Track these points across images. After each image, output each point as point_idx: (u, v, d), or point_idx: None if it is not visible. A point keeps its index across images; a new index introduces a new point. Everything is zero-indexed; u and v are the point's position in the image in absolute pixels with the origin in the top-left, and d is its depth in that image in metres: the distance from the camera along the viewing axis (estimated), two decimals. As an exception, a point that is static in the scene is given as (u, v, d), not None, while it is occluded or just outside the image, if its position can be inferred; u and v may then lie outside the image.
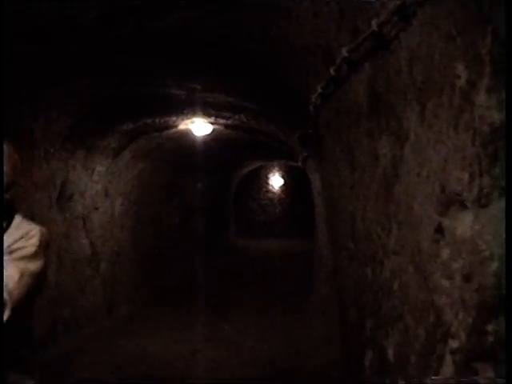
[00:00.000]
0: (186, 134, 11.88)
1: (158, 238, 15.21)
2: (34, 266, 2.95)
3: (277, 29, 4.43)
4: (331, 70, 3.79)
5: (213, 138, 12.40)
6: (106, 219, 11.55)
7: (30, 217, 7.78)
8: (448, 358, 2.22)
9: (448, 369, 2.22)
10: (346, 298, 5.05)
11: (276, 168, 28.30)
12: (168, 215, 16.39)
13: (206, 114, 9.95)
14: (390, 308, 3.22)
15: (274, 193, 28.56)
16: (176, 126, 11.03)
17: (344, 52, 3.34)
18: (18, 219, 3.03)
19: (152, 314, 11.98)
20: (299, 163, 11.29)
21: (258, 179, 28.53)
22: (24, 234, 2.95)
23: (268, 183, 28.68)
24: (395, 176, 3.02)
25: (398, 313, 2.98)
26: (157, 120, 10.26)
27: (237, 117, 9.93)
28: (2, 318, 2.63)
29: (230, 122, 10.58)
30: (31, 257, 2.94)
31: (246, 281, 16.20)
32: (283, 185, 28.46)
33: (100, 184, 11.05)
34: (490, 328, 1.94)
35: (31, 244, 2.96)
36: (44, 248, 3.04)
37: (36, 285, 2.98)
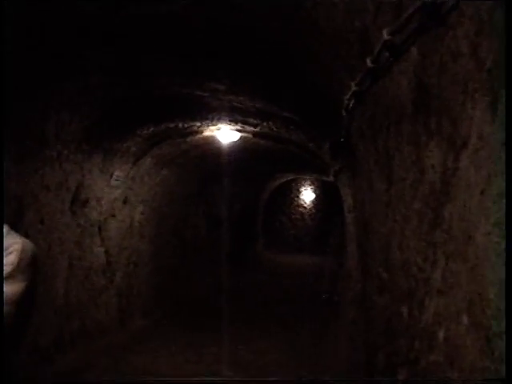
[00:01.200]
0: (212, 142, 11.28)
1: (181, 250, 14.62)
2: (10, 288, 2.46)
3: (303, 12, 3.74)
4: (368, 61, 3.10)
5: (240, 146, 11.80)
6: (124, 227, 10.97)
7: (40, 221, 7.38)
8: None
9: None
10: (374, 335, 4.32)
11: (308, 182, 27.76)
12: (193, 226, 15.81)
13: (233, 120, 9.32)
14: (432, 364, 2.50)
15: (305, 207, 27.98)
16: (201, 132, 10.42)
17: (385, 34, 2.64)
18: (5, 230, 2.59)
19: (168, 329, 11.39)
20: (331, 177, 10.60)
21: (289, 193, 27.97)
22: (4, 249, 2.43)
23: (299, 197, 28.09)
24: (446, 194, 2.32)
25: (443, 373, 2.27)
26: (180, 125, 9.65)
27: (265, 124, 9.26)
28: (2, 317, 2.37)
29: (258, 129, 9.92)
30: (6, 278, 2.46)
31: (272, 298, 15.59)
32: (315, 199, 27.82)
33: (119, 190, 10.48)
34: None
35: (8, 262, 2.49)
36: (26, 266, 2.57)
37: (15, 312, 2.50)
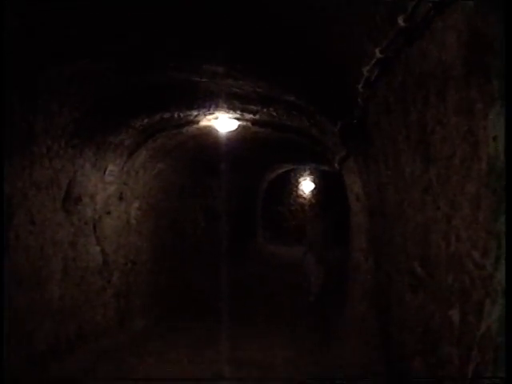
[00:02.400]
0: (209, 132, 10.80)
1: (180, 245, 14.16)
2: None
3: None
4: (400, 20, 2.61)
5: (238, 136, 11.32)
6: (120, 224, 10.50)
7: (31, 222, 6.91)
8: None
9: None
10: (406, 338, 3.83)
11: (307, 172, 27.33)
12: (191, 220, 15.35)
13: (231, 107, 8.83)
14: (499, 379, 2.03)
15: (304, 198, 27.56)
16: (198, 122, 9.93)
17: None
18: None
19: (169, 328, 10.92)
20: (335, 165, 10.13)
21: (288, 183, 27.58)
22: None
23: (298, 188, 27.65)
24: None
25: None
26: (175, 114, 9.15)
27: (265, 110, 8.76)
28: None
29: (257, 116, 9.43)
30: None
31: (274, 293, 15.13)
32: (314, 189, 27.39)
33: (113, 185, 10.01)
34: None
35: None
36: None
37: None
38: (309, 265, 14.25)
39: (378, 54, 3.23)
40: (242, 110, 9.02)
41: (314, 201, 27.33)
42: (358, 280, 8.87)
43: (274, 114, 8.86)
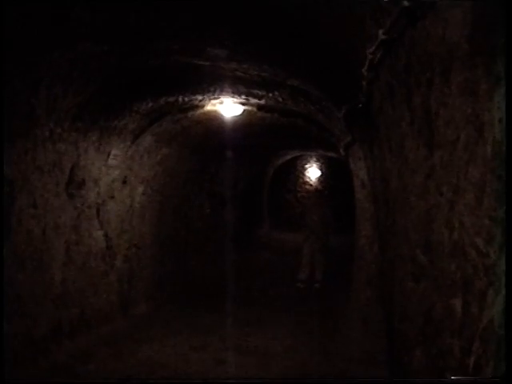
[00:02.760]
0: (214, 117, 10.69)
1: (185, 231, 14.09)
2: None
3: None
4: (405, 1, 2.51)
5: (244, 121, 11.21)
6: (124, 209, 10.45)
7: (33, 205, 6.85)
8: None
9: None
10: (407, 327, 3.75)
11: (313, 159, 27.24)
12: (197, 206, 15.25)
13: (236, 92, 8.72)
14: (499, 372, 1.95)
15: (311, 185, 27.45)
16: (202, 107, 9.82)
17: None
18: None
19: (173, 314, 10.93)
20: (341, 151, 10.02)
21: (294, 170, 27.48)
22: None
23: (305, 175, 27.54)
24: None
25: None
26: (180, 99, 9.05)
27: (270, 95, 8.65)
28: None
29: (263, 101, 9.31)
30: None
31: (279, 279, 15.07)
32: (321, 176, 27.30)
33: (117, 170, 9.95)
34: None
35: None
36: None
37: None
38: (307, 254, 14.29)
39: (382, 36, 3.12)
40: (247, 95, 8.91)
41: (320, 188, 27.24)
42: (362, 268, 8.78)
43: (280, 99, 8.75)
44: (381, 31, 3.10)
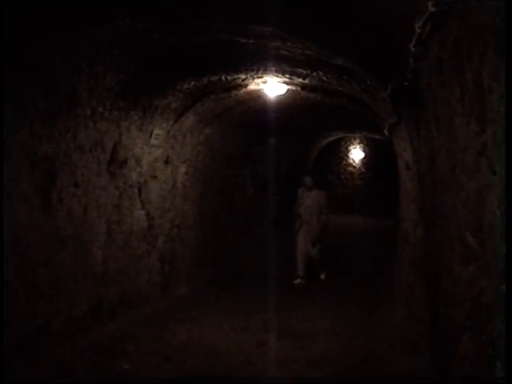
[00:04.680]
0: (258, 96, 10.56)
1: (228, 211, 14.03)
2: None
3: None
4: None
5: (288, 100, 11.06)
6: (166, 189, 10.44)
7: (74, 184, 6.83)
8: None
9: None
10: (454, 313, 3.60)
11: (357, 140, 27.05)
12: (239, 187, 15.17)
13: (280, 70, 8.56)
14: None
15: (354, 167, 27.27)
16: (246, 86, 9.69)
17: None
18: None
19: (213, 295, 10.87)
20: (385, 131, 9.82)
21: (338, 152, 27.32)
22: None
23: (348, 156, 27.35)
24: None
25: None
26: (223, 77, 8.92)
27: (315, 74, 8.47)
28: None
29: (307, 81, 9.13)
30: None
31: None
32: (364, 158, 27.07)
33: (159, 149, 9.92)
34: None
35: None
36: None
37: None
38: (301, 248, 12.98)
39: (431, 8, 2.96)
40: (291, 74, 8.74)
41: (364, 169, 27.03)
42: (406, 251, 8.60)
43: (324, 78, 8.57)
44: (430, 3, 2.94)
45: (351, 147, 27.29)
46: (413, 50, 3.82)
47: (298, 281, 12.60)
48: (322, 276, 12.98)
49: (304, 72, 8.46)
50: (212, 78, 8.91)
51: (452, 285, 3.66)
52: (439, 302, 4.40)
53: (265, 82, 9.47)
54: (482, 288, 2.80)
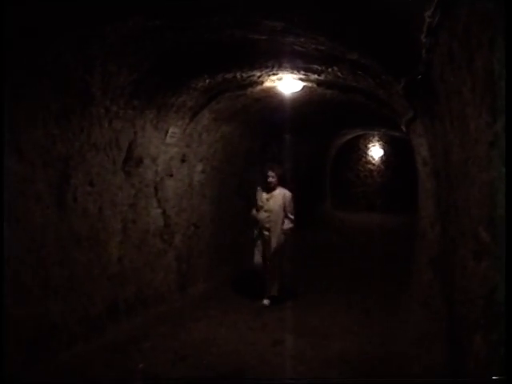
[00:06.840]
0: (274, 94, 10.49)
1: (245, 210, 13.94)
2: None
3: None
4: None
5: (304, 97, 10.98)
6: (182, 187, 10.40)
7: (89, 183, 6.82)
8: None
9: None
10: (467, 312, 3.51)
11: (376, 138, 26.92)
12: (257, 185, 15.07)
13: (294, 67, 8.48)
14: None
15: (373, 164, 27.14)
16: (261, 83, 9.62)
17: None
18: None
19: (230, 294, 10.83)
20: (402, 127, 9.72)
21: (357, 149, 27.20)
22: None
23: (367, 154, 27.21)
24: None
25: None
26: (238, 75, 8.85)
27: (330, 70, 8.37)
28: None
29: (322, 77, 9.04)
30: None
31: (340, 259, 14.85)
32: (383, 156, 26.92)
33: (175, 148, 9.89)
34: None
35: None
36: None
37: None
38: (257, 260, 10.62)
39: (440, -6, 2.89)
40: (306, 70, 8.66)
41: (383, 167, 26.90)
42: (424, 248, 8.50)
43: (339, 74, 8.47)
44: (440, -10, 2.87)
45: (370, 145, 27.18)
46: (424, 40, 3.74)
47: (265, 302, 10.23)
48: (273, 292, 10.28)
49: (319, 68, 8.37)
50: (226, 76, 8.85)
51: (466, 281, 3.58)
52: (454, 299, 4.32)
53: (280, 79, 9.40)
54: (495, 285, 2.72)
